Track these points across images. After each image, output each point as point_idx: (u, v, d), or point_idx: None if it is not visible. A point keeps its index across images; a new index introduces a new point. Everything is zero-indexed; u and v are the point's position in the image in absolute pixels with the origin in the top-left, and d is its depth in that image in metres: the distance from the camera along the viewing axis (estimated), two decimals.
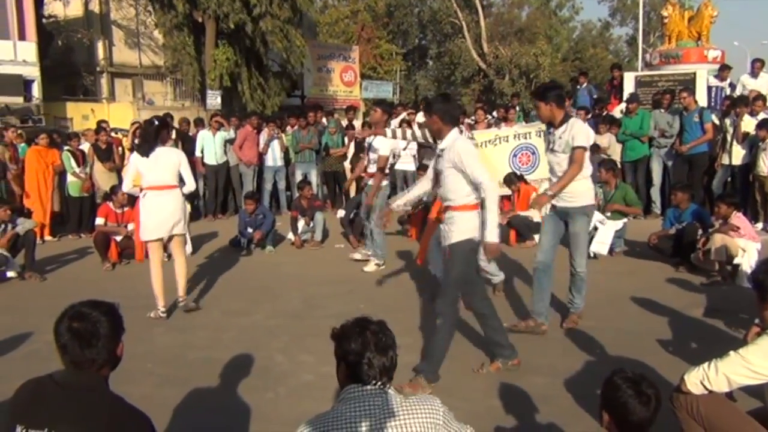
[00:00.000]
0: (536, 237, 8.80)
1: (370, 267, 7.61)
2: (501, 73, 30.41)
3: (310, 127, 12.32)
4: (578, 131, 4.99)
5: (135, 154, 6.19)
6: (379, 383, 2.15)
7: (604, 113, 11.67)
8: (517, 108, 13.57)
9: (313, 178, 11.94)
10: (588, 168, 5.15)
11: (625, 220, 8.14)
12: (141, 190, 6.05)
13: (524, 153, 11.18)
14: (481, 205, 4.19)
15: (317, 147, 12.23)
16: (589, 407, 3.86)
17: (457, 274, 4.32)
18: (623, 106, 12.22)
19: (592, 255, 7.87)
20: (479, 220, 4.24)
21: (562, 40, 41.68)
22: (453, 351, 4.90)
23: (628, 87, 13.04)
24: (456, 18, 32.03)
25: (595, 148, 10.40)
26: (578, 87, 13.34)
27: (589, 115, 11.05)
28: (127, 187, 6.48)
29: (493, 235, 4.19)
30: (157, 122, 6.13)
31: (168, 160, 5.93)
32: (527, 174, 10.38)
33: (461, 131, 4.63)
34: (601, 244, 7.85)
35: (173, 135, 11.19)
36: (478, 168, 4.18)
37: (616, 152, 10.63)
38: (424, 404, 2.17)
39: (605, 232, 7.89)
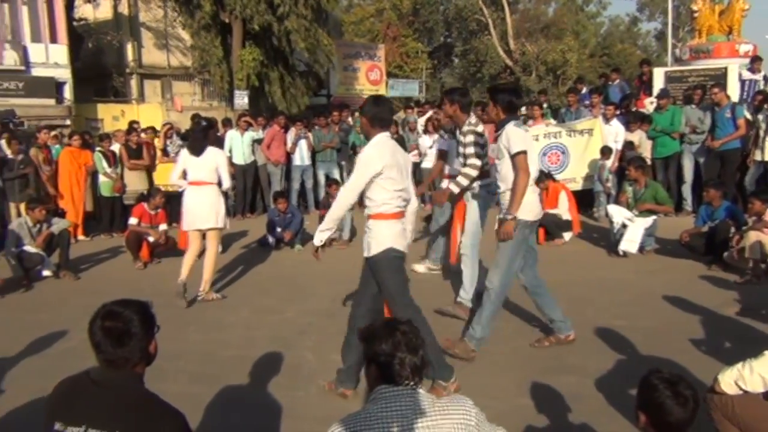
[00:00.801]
0: (566, 235, 8.77)
1: (421, 267, 7.29)
2: (527, 70, 30.18)
3: (333, 126, 12.37)
4: (513, 136, 4.57)
5: (185, 152, 6.66)
6: (411, 383, 2.15)
7: (633, 109, 11.52)
8: (545, 105, 13.46)
9: (336, 176, 11.97)
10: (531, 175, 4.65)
11: (655, 217, 8.03)
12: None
13: (554, 152, 11.11)
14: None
15: (339, 146, 12.28)
16: (620, 407, 3.83)
17: (390, 283, 4.14)
18: (652, 99, 12.07)
19: (621, 253, 7.81)
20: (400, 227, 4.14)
21: (590, 35, 41.22)
22: (481, 350, 4.90)
23: (658, 83, 12.87)
24: (482, 15, 31.85)
25: (629, 145, 10.28)
26: (609, 83, 13.19)
27: (618, 111, 10.92)
28: (173, 178, 6.84)
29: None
30: (204, 123, 6.49)
31: (211, 158, 6.47)
32: (556, 174, 10.34)
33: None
34: (630, 242, 7.76)
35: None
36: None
37: (646, 149, 10.50)
38: (456, 405, 2.16)
39: (634, 230, 7.79)
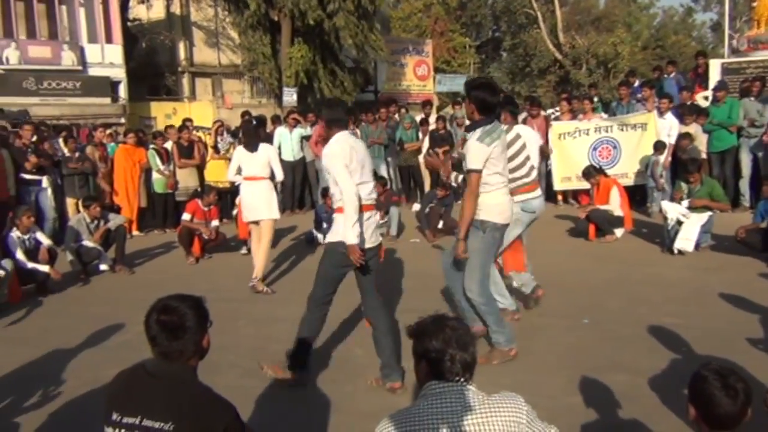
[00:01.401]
0: (617, 231, 8.60)
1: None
2: (578, 64, 29.57)
3: (380, 122, 12.38)
4: (471, 151, 4.30)
5: (240, 148, 7.10)
6: (461, 380, 2.14)
7: (689, 102, 11.22)
8: (595, 99, 13.21)
9: (383, 173, 11.98)
10: (497, 177, 4.43)
11: (711, 213, 7.80)
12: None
13: (605, 147, 10.93)
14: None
15: (387, 142, 12.28)
16: (674, 406, 3.74)
17: (323, 272, 4.30)
18: (706, 93, 11.73)
19: (676, 252, 7.62)
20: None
21: (642, 27, 40.22)
22: (532, 348, 4.86)
23: (714, 75, 12.49)
24: (530, 8, 31.35)
25: (685, 136, 9.99)
26: (665, 76, 12.86)
27: (673, 104, 10.64)
28: (230, 175, 7.28)
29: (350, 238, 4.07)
30: (254, 121, 6.75)
31: (263, 154, 6.90)
32: (607, 168, 10.15)
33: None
34: (686, 241, 7.56)
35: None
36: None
37: (702, 142, 10.21)
38: (507, 403, 2.14)
39: (690, 227, 7.58)
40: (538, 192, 5.31)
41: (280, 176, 7.16)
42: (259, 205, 6.88)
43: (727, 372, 2.21)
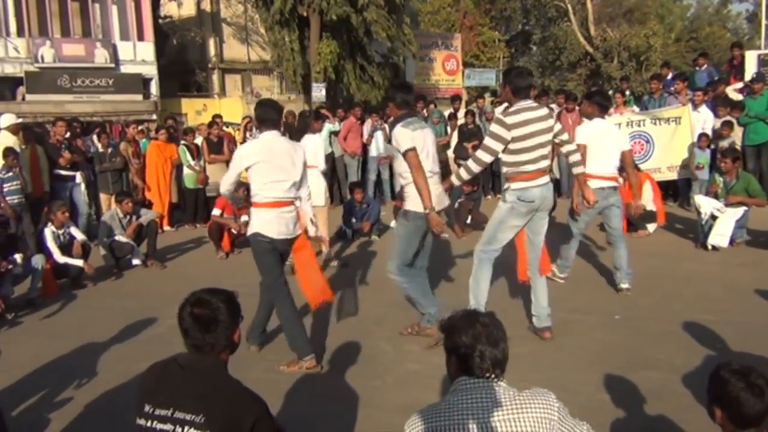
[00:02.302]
0: (650, 226, 8.48)
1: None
2: (609, 57, 29.17)
3: None
4: (398, 136, 4.73)
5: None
6: (491, 376, 2.12)
7: (723, 95, 10.98)
8: (627, 92, 13.02)
9: None
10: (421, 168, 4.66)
11: (746, 208, 7.63)
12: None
13: (637, 141, 10.75)
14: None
15: None
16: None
17: (257, 263, 4.75)
18: (737, 86, 11.48)
19: (710, 247, 7.48)
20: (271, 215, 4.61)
21: (676, 19, 39.56)
22: (563, 344, 4.81)
23: (750, 66, 12.25)
24: (561, 1, 31.01)
25: (726, 125, 9.73)
26: (697, 68, 12.62)
27: (707, 97, 10.43)
28: None
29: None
30: (308, 114, 7.04)
31: (310, 144, 6.94)
32: (640, 163, 9.97)
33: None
34: (720, 237, 7.40)
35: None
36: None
37: (737, 135, 9.99)
38: (538, 399, 2.12)
39: (725, 222, 7.42)
40: (541, 180, 4.80)
41: (322, 166, 7.53)
42: (312, 192, 7.04)
43: (747, 370, 2.21)
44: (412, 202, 4.74)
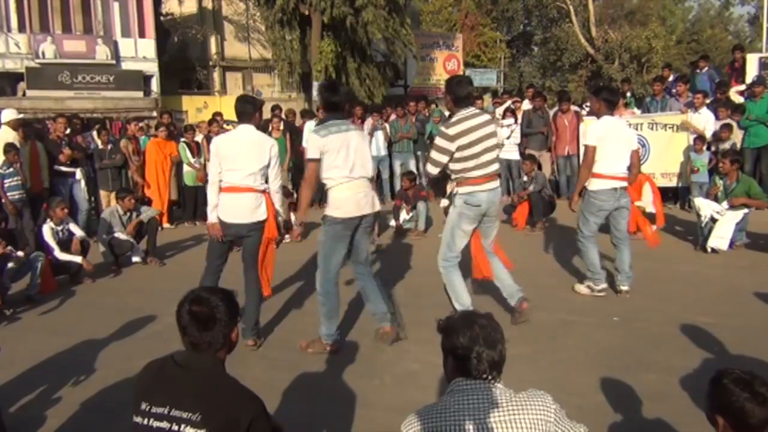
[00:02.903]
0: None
1: (582, 288, 6.17)
2: (610, 58, 29.16)
3: (409, 117, 12.35)
4: (309, 142, 4.80)
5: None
6: (488, 377, 2.13)
7: (725, 98, 10.98)
8: (628, 94, 13.02)
9: (412, 167, 11.95)
10: (336, 172, 4.70)
11: (746, 211, 7.62)
12: None
13: None
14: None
15: (416, 137, 12.26)
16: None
17: (208, 245, 5.25)
18: (739, 88, 11.48)
19: (709, 250, 7.48)
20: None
21: (677, 21, 39.51)
22: (560, 345, 4.82)
23: (751, 69, 12.24)
24: (563, 2, 31.00)
25: (726, 127, 9.71)
26: (697, 71, 12.62)
27: (708, 100, 10.43)
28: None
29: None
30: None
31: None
32: None
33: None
34: (720, 239, 7.39)
35: (281, 126, 11.55)
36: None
37: (737, 138, 9.99)
38: (535, 401, 2.12)
39: (725, 225, 7.41)
40: (489, 185, 4.94)
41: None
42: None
43: (750, 378, 2.17)
44: (330, 207, 4.79)
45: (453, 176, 5.01)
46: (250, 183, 4.88)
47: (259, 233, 4.97)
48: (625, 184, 5.90)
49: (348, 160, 4.69)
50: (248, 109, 4.98)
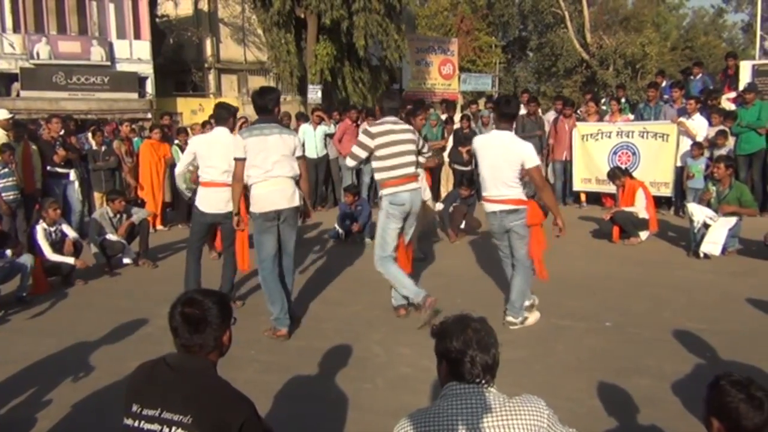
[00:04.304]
0: (642, 234, 8.50)
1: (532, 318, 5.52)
2: (605, 64, 29.29)
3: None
4: (235, 143, 5.31)
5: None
6: (482, 381, 2.12)
7: (717, 104, 11.03)
8: (623, 100, 13.07)
9: None
10: (255, 170, 5.17)
11: (739, 217, 7.66)
12: None
13: (624, 152, 10.89)
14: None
15: None
16: (697, 411, 3.65)
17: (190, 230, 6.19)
18: (730, 95, 11.54)
19: (702, 255, 7.50)
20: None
21: (671, 27, 39.72)
22: (553, 350, 4.82)
23: (745, 76, 12.31)
24: (558, 8, 31.10)
25: (721, 133, 9.73)
26: (691, 78, 12.68)
27: (699, 105, 10.47)
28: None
29: None
30: None
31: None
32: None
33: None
34: (712, 245, 7.42)
35: None
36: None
37: (729, 145, 10.03)
38: (528, 405, 2.11)
39: (718, 231, 7.44)
40: (409, 186, 5.41)
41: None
42: None
43: (748, 382, 2.18)
44: (252, 204, 5.26)
45: (377, 178, 5.49)
46: (225, 179, 5.60)
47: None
48: (506, 207, 5.19)
49: (267, 160, 5.12)
50: (224, 114, 5.97)
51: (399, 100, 5.86)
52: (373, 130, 5.38)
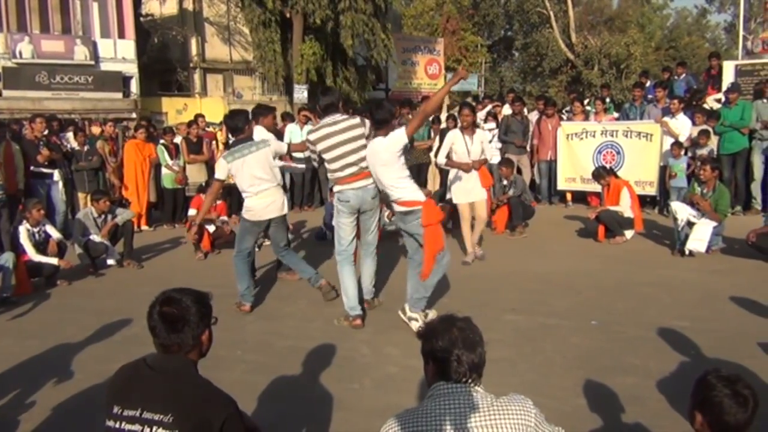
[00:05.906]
0: (627, 233, 8.55)
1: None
2: (590, 64, 29.40)
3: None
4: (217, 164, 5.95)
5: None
6: (469, 380, 2.12)
7: (701, 104, 11.12)
8: (607, 100, 13.14)
9: None
10: (245, 185, 5.85)
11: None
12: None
13: (609, 151, 10.95)
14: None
15: None
16: (682, 409, 3.67)
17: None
18: (717, 96, 11.63)
19: (688, 253, 7.56)
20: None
21: (655, 28, 40.02)
22: (539, 349, 4.84)
23: (728, 76, 12.40)
24: (543, 8, 31.20)
25: (704, 133, 9.78)
26: (675, 78, 12.77)
27: (683, 105, 10.54)
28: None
29: None
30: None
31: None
32: None
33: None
34: (698, 242, 7.47)
35: None
36: None
37: (711, 144, 10.11)
38: (515, 404, 2.12)
39: (703, 229, 7.49)
40: (356, 184, 5.43)
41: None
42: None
43: (735, 378, 2.19)
44: (243, 212, 5.99)
45: (329, 178, 5.66)
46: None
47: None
48: (401, 209, 5.26)
49: (252, 177, 5.78)
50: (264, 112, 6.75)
51: (335, 95, 5.69)
52: (312, 137, 5.46)
